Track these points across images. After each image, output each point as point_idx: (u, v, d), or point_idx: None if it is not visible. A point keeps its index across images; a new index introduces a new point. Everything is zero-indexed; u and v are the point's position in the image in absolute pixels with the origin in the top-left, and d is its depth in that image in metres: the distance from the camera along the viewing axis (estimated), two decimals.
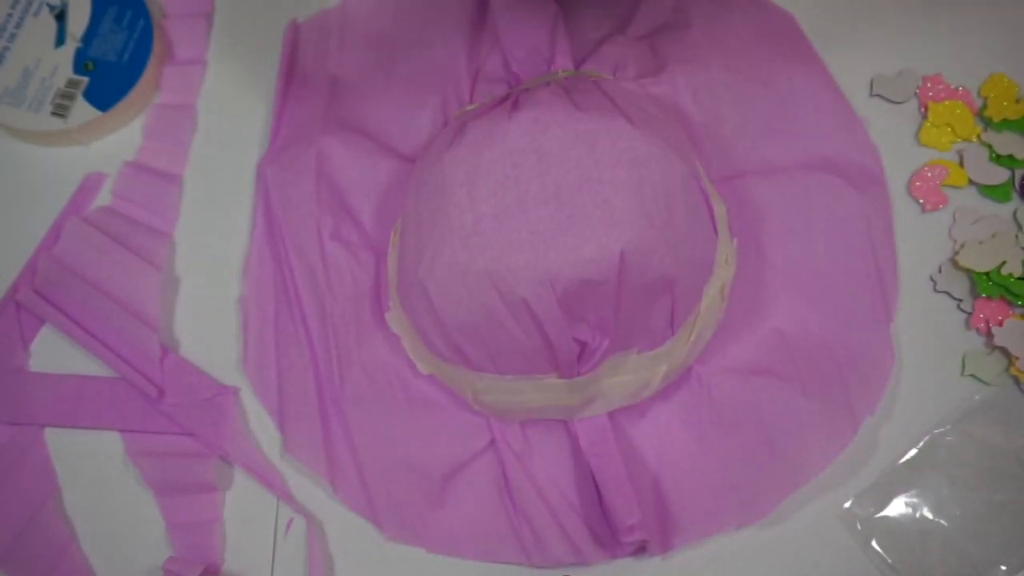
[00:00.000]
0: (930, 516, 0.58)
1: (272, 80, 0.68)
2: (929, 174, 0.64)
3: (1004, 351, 0.60)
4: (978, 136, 0.64)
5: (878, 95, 0.66)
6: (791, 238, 0.62)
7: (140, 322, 0.61)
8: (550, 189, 0.52)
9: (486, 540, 0.58)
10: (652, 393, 0.58)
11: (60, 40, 0.67)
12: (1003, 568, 0.57)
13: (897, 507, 0.58)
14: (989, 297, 0.60)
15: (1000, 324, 0.60)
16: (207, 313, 0.63)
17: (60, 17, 0.67)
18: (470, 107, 0.63)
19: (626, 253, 0.51)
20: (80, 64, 0.66)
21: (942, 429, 0.59)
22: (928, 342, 0.61)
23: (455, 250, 0.52)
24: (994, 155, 0.63)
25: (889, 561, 0.57)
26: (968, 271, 0.61)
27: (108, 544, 0.60)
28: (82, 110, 0.65)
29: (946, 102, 0.64)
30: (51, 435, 0.61)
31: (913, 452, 0.59)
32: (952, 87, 0.65)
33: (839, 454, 0.58)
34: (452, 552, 0.59)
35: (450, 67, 0.66)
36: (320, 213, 0.62)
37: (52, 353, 0.63)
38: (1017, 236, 0.62)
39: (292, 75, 0.67)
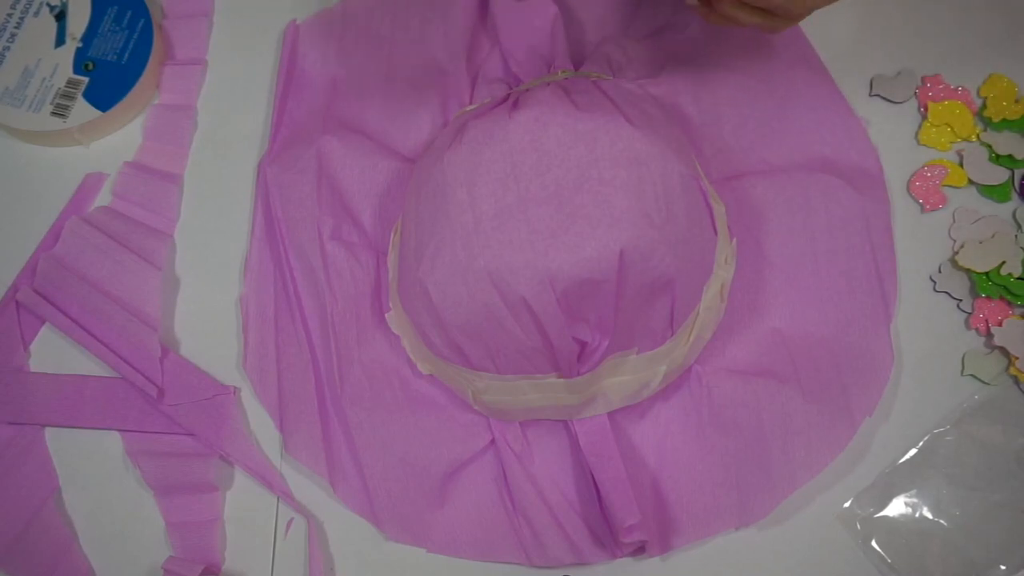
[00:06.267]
0: (929, 516, 0.58)
1: (272, 80, 0.68)
2: (929, 174, 0.64)
3: (1003, 351, 0.60)
4: (978, 136, 0.64)
5: (878, 95, 0.66)
6: (791, 238, 0.62)
7: (140, 322, 0.62)
8: (550, 188, 0.52)
9: (486, 540, 0.58)
10: (652, 393, 0.58)
11: (60, 40, 0.67)
12: (1002, 568, 0.57)
13: (897, 507, 0.58)
14: (989, 297, 0.61)
15: (1000, 324, 0.60)
16: (207, 313, 0.63)
17: (60, 17, 0.67)
18: (470, 108, 0.63)
19: (626, 252, 0.51)
20: (80, 64, 0.66)
21: (942, 429, 0.59)
22: (928, 342, 0.61)
23: (455, 250, 0.52)
24: (994, 155, 0.63)
25: (889, 561, 0.57)
26: (968, 271, 0.61)
27: (108, 544, 0.60)
28: (82, 110, 0.65)
29: (946, 102, 0.65)
30: (51, 435, 0.61)
31: (913, 452, 0.59)
32: (952, 87, 0.65)
33: (838, 455, 0.58)
34: (452, 552, 0.59)
35: (450, 67, 0.66)
36: (320, 213, 0.62)
37: (52, 353, 0.63)
38: (1017, 236, 0.62)
39: (292, 75, 0.67)
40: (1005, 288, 0.60)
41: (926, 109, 0.65)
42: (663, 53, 0.65)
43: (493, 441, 0.59)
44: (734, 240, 0.60)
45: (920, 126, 0.65)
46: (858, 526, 0.58)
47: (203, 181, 0.66)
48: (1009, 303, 0.61)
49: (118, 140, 0.67)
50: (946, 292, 0.62)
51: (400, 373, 0.60)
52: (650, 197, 0.52)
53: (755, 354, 0.60)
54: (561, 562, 0.57)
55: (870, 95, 0.66)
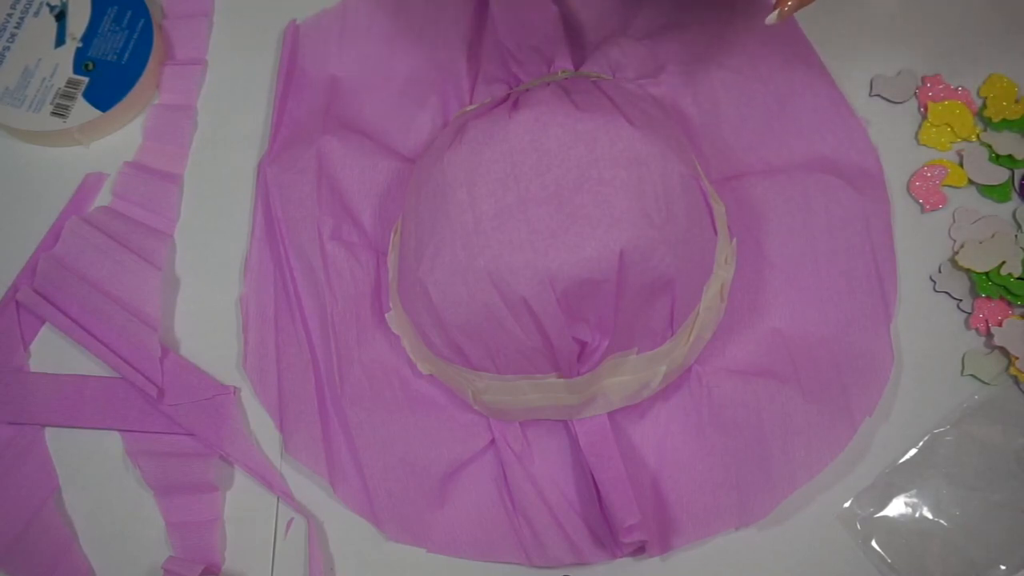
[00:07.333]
0: (929, 516, 0.58)
1: (272, 80, 0.68)
2: (929, 174, 0.64)
3: (1003, 351, 0.60)
4: (978, 136, 0.64)
5: (878, 95, 0.66)
6: (791, 238, 0.62)
7: (140, 322, 0.62)
8: (550, 188, 0.52)
9: (486, 540, 0.58)
10: (652, 393, 0.58)
11: (60, 40, 0.67)
12: (1003, 568, 0.57)
13: (897, 507, 0.58)
14: (989, 297, 0.61)
15: (1000, 324, 0.60)
16: (207, 313, 0.63)
17: (60, 17, 0.67)
18: (470, 108, 0.63)
19: (626, 252, 0.51)
20: (80, 64, 0.66)
21: (942, 429, 0.59)
22: (928, 342, 0.61)
23: (455, 250, 0.52)
24: (994, 155, 0.63)
25: (889, 561, 0.57)
26: (968, 271, 0.61)
27: (108, 544, 0.60)
28: (82, 110, 0.65)
29: (946, 102, 0.65)
30: (51, 435, 0.61)
31: (913, 452, 0.59)
32: (952, 87, 0.65)
33: (838, 455, 0.58)
34: (452, 552, 0.59)
35: (450, 67, 0.66)
36: (320, 213, 0.62)
37: (52, 353, 0.63)
38: (1017, 236, 0.62)
39: (292, 75, 0.67)
40: (1005, 288, 0.60)
41: (926, 109, 0.65)
42: (663, 53, 0.65)
43: (493, 441, 0.59)
44: (734, 240, 0.60)
45: (920, 126, 0.65)
46: (858, 526, 0.58)
47: (203, 181, 0.66)
48: (1009, 303, 0.61)
49: (118, 140, 0.67)
50: (946, 292, 0.62)
51: (400, 373, 0.60)
52: (650, 197, 0.52)
53: (755, 354, 0.60)
54: (561, 562, 0.57)
55: (870, 95, 0.66)
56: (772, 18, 0.54)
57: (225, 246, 0.65)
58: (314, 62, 0.68)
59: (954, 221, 0.63)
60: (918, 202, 0.63)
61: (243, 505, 0.60)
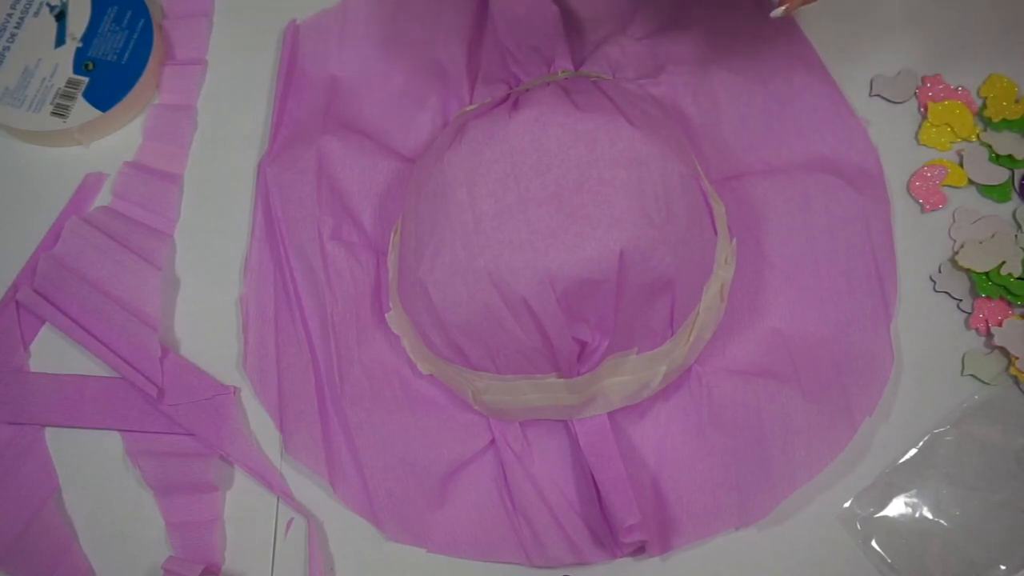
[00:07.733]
0: (929, 516, 0.58)
1: (272, 80, 0.68)
2: (929, 174, 0.64)
3: (1003, 351, 0.60)
4: (978, 136, 0.64)
5: (878, 95, 0.66)
6: (791, 238, 0.62)
7: (140, 322, 0.62)
8: (550, 188, 0.52)
9: (486, 540, 0.58)
10: (652, 393, 0.58)
11: (60, 40, 0.67)
12: (1003, 568, 0.57)
13: (897, 507, 0.58)
14: (989, 297, 0.61)
15: (1000, 324, 0.60)
16: (207, 313, 0.63)
17: (60, 17, 0.67)
18: (470, 108, 0.63)
19: (626, 252, 0.51)
20: (80, 64, 0.66)
21: (942, 429, 0.59)
22: (928, 342, 0.61)
23: (455, 250, 0.52)
24: (994, 155, 0.63)
25: (889, 561, 0.57)
26: (968, 271, 0.61)
27: (108, 544, 0.60)
28: (82, 110, 0.65)
29: (946, 102, 0.65)
30: (51, 435, 0.61)
31: (913, 452, 0.59)
32: (952, 87, 0.65)
33: (838, 455, 0.58)
34: (452, 552, 0.59)
35: (450, 67, 0.66)
36: (320, 213, 0.62)
37: (52, 353, 0.63)
38: (1017, 236, 0.62)
39: (292, 75, 0.67)
40: (1005, 288, 0.60)
41: (926, 109, 0.65)
42: (663, 53, 0.65)
43: (493, 441, 0.59)
44: (734, 240, 0.60)
45: (920, 126, 0.65)
46: (858, 526, 0.58)
47: (203, 181, 0.66)
48: (1009, 303, 0.61)
49: (118, 140, 0.67)
50: (946, 292, 0.62)
51: (400, 373, 0.60)
52: (650, 197, 0.52)
53: (755, 354, 0.60)
54: (561, 562, 0.57)
55: (870, 95, 0.66)
56: (778, 12, 0.54)
57: (225, 246, 0.65)
58: (314, 62, 0.68)
59: (954, 221, 0.63)
60: (918, 202, 0.63)
61: (243, 505, 0.60)
